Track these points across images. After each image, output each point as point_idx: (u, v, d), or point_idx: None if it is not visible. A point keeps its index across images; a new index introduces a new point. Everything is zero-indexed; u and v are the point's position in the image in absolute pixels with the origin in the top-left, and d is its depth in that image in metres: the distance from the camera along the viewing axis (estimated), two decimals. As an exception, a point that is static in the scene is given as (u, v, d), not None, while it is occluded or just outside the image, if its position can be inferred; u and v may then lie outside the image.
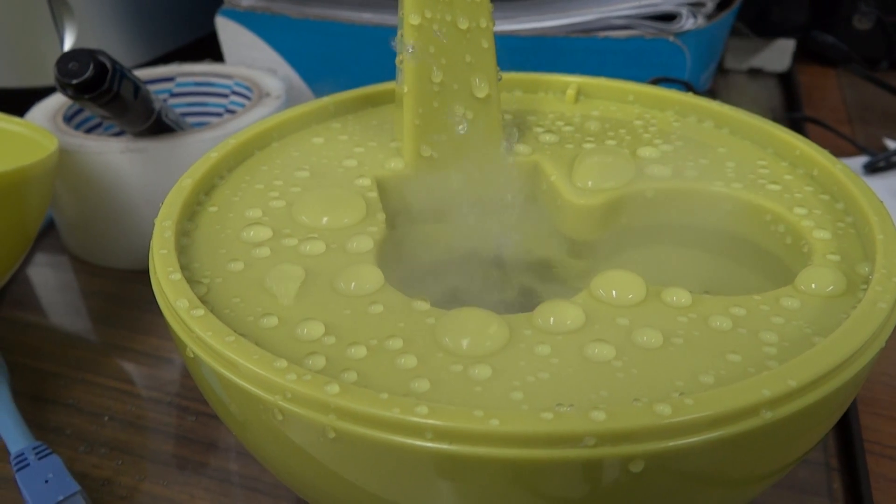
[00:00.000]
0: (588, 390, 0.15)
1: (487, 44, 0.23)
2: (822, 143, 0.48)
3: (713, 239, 0.22)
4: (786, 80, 0.59)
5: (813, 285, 0.18)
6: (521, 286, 0.21)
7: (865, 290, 0.17)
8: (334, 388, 0.14)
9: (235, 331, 0.16)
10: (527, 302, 0.20)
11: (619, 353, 0.16)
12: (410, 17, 0.22)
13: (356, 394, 0.14)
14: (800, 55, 0.59)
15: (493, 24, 0.22)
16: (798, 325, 0.16)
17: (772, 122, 0.24)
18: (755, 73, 0.61)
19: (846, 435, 0.26)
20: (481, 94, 0.23)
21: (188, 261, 0.19)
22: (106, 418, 0.28)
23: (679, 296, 0.17)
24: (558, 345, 0.16)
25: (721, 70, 0.61)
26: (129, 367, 0.31)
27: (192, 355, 0.16)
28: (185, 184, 0.21)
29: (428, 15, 0.22)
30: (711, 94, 0.42)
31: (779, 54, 0.60)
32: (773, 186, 0.22)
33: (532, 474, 0.13)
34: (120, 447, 0.27)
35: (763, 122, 0.24)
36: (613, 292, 0.18)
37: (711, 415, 0.13)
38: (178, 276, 0.17)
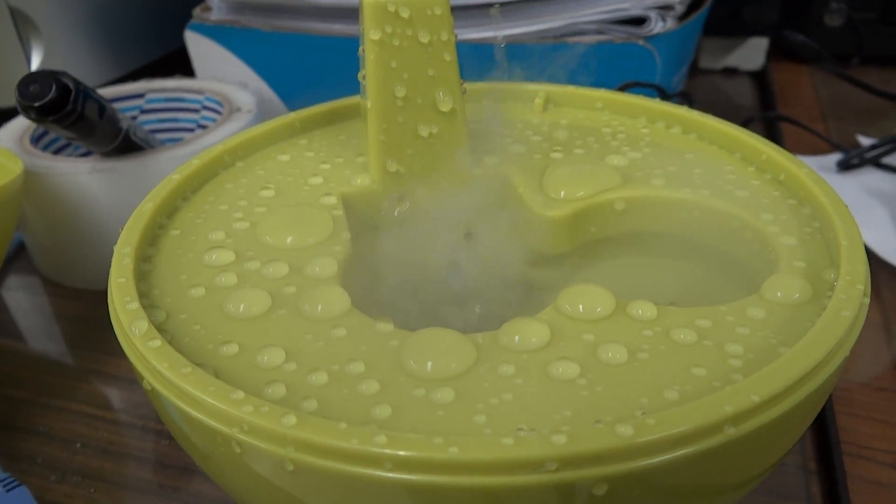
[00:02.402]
0: (552, 411, 0.14)
1: (450, 57, 0.22)
2: (797, 142, 0.48)
3: (682, 247, 0.22)
4: (760, 79, 0.59)
5: (779, 294, 0.17)
6: (489, 302, 0.21)
7: (830, 297, 0.17)
8: (291, 420, 0.13)
9: (195, 360, 0.16)
10: (495, 317, 0.20)
11: (584, 370, 0.15)
12: (370, 32, 0.21)
13: (314, 425, 0.13)
14: (773, 53, 0.60)
15: (455, 38, 0.22)
16: (764, 336, 0.16)
17: (738, 127, 0.24)
18: (730, 71, 0.61)
19: (823, 437, 0.26)
20: (446, 108, 0.23)
21: (148, 287, 0.19)
22: (78, 445, 0.28)
23: (645, 309, 0.17)
24: (523, 364, 0.16)
25: (696, 70, 0.61)
26: (103, 392, 0.30)
27: (149, 387, 0.15)
28: (146, 208, 0.21)
29: (388, 30, 0.21)
30: (685, 95, 0.42)
31: (752, 53, 0.60)
32: (740, 192, 0.22)
33: (492, 499, 0.13)
34: (93, 475, 0.26)
35: (730, 126, 0.24)
36: (580, 307, 0.17)
37: (674, 434, 0.13)
38: (135, 304, 0.17)
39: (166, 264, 0.20)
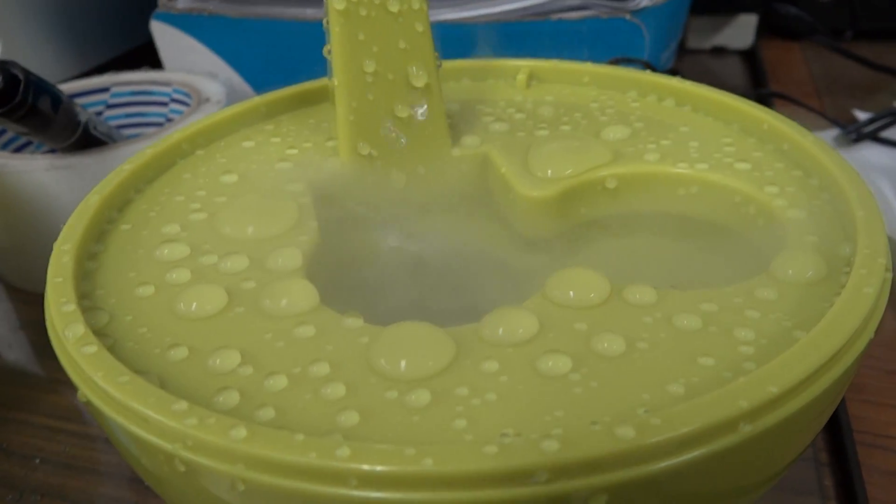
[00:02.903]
0: (541, 412, 0.13)
1: (422, 27, 0.21)
2: (792, 118, 0.47)
3: (681, 226, 0.20)
4: (750, 57, 0.57)
5: (790, 272, 0.16)
6: (470, 291, 0.19)
7: (848, 273, 0.15)
8: (241, 433, 0.12)
9: (138, 367, 0.14)
10: (476, 308, 0.18)
11: (577, 364, 0.14)
12: (334, 1, 0.20)
13: (267, 437, 0.12)
14: (763, 30, 0.58)
15: (427, 6, 0.20)
16: (776, 319, 0.15)
17: (736, 96, 0.22)
18: (719, 51, 0.59)
19: (835, 427, 0.24)
20: (420, 84, 0.21)
21: (92, 287, 0.17)
22: (37, 461, 0.26)
23: (643, 293, 0.15)
24: (508, 359, 0.14)
25: (684, 50, 0.60)
26: (65, 403, 0.28)
27: (84, 399, 0.14)
28: (92, 201, 0.19)
29: (353, -2, 0.20)
30: (675, 73, 0.40)
31: (742, 31, 0.58)
32: (741, 165, 0.20)
33: (476, 519, 0.11)
34: (53, 493, 0.24)
35: (727, 96, 0.23)
36: (571, 293, 0.16)
37: (682, 434, 0.11)
38: (71, 306, 0.15)
39: (113, 262, 0.18)
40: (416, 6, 0.20)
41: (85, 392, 0.13)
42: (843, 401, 0.25)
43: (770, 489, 0.22)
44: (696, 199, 0.20)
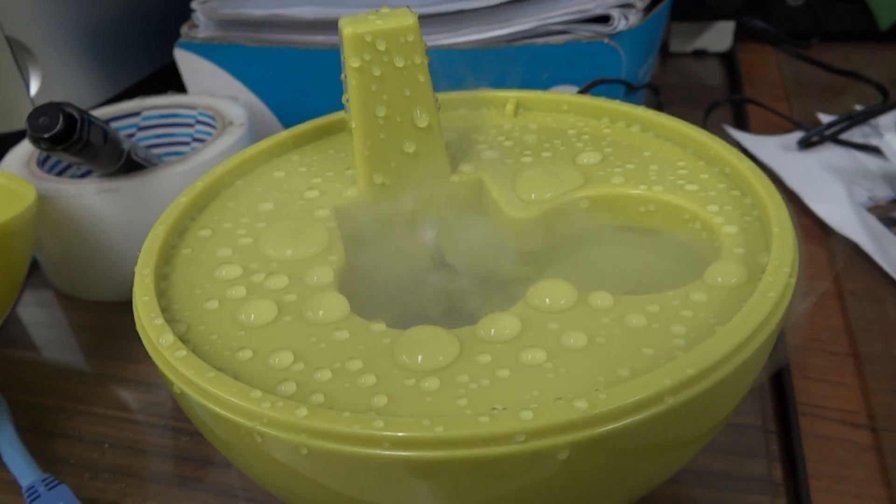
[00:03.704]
0: (522, 392, 0.17)
1: (423, 78, 0.25)
2: (762, 122, 0.51)
3: (640, 238, 0.25)
4: (728, 60, 0.61)
5: (719, 279, 0.20)
6: (469, 298, 0.24)
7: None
8: (303, 412, 0.16)
9: (214, 366, 0.18)
10: (474, 312, 0.22)
11: (550, 356, 0.18)
12: (351, 60, 0.24)
13: (322, 415, 0.16)
14: (741, 34, 0.62)
15: (427, 60, 0.25)
16: (705, 317, 0.19)
17: (690, 125, 0.27)
18: (700, 54, 0.63)
19: (781, 400, 0.29)
20: (423, 124, 0.25)
21: (168, 303, 0.21)
22: (106, 445, 0.30)
23: (603, 299, 0.20)
24: (497, 353, 0.18)
25: (666, 53, 0.63)
26: (123, 395, 0.33)
27: (178, 391, 0.18)
28: (159, 231, 0.23)
29: (367, 58, 0.24)
30: (652, 87, 0.44)
31: (720, 35, 0.62)
32: (690, 186, 0.24)
33: (475, 469, 0.16)
34: (122, 471, 0.29)
35: (682, 124, 0.27)
36: (547, 300, 0.20)
37: (622, 405, 0.16)
38: (159, 320, 0.19)
39: (181, 281, 0.22)
40: (417, 61, 0.24)
41: (179, 386, 0.18)
42: (789, 377, 0.30)
43: (724, 453, 0.27)
44: (652, 216, 0.24)
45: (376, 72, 0.24)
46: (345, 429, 0.16)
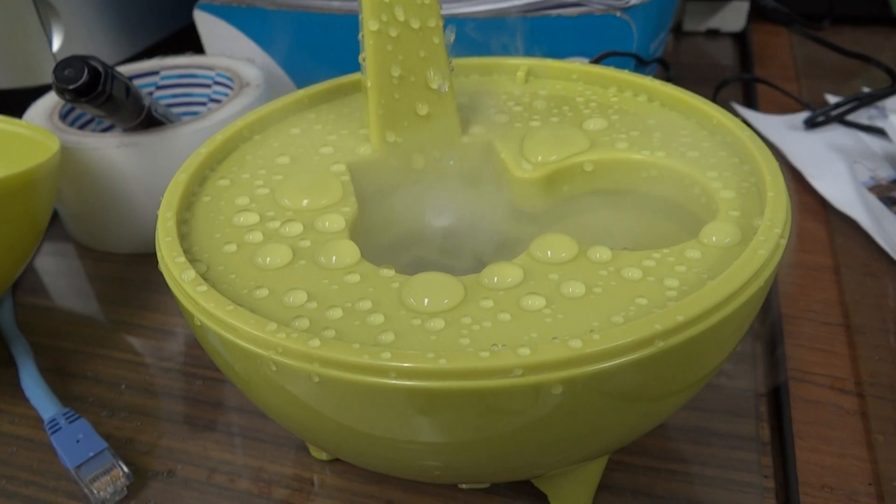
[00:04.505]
0: (521, 333, 0.18)
1: (438, 40, 0.26)
2: (771, 101, 0.51)
3: (641, 201, 0.26)
4: (741, 40, 0.62)
5: (713, 238, 0.21)
6: (476, 252, 0.25)
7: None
8: (316, 343, 0.17)
9: (233, 302, 0.19)
10: (480, 264, 0.23)
11: (549, 302, 0.19)
12: (369, 22, 0.25)
13: (334, 345, 0.17)
14: (755, 15, 0.62)
15: (443, 22, 0.25)
16: (697, 272, 0.20)
17: (694, 95, 0.27)
18: (713, 33, 0.64)
19: (773, 365, 0.30)
20: (436, 85, 0.26)
21: (188, 245, 0.22)
22: (123, 386, 0.32)
23: (602, 253, 0.21)
24: (500, 299, 0.19)
25: (680, 32, 0.64)
26: (139, 342, 0.34)
27: (199, 324, 0.19)
28: (181, 178, 0.24)
29: (384, 19, 0.25)
30: (662, 62, 0.45)
31: (735, 15, 0.63)
32: (691, 153, 0.25)
33: (474, 400, 0.17)
34: (138, 410, 0.30)
35: (687, 94, 0.28)
36: (549, 252, 0.21)
37: (615, 346, 0.17)
38: (182, 259, 0.21)
39: (201, 226, 0.23)
40: (431, 24, 0.25)
41: (200, 318, 0.19)
42: (782, 344, 0.31)
43: (717, 412, 0.28)
44: (654, 181, 0.25)
45: (392, 32, 0.25)
46: (354, 359, 0.17)
